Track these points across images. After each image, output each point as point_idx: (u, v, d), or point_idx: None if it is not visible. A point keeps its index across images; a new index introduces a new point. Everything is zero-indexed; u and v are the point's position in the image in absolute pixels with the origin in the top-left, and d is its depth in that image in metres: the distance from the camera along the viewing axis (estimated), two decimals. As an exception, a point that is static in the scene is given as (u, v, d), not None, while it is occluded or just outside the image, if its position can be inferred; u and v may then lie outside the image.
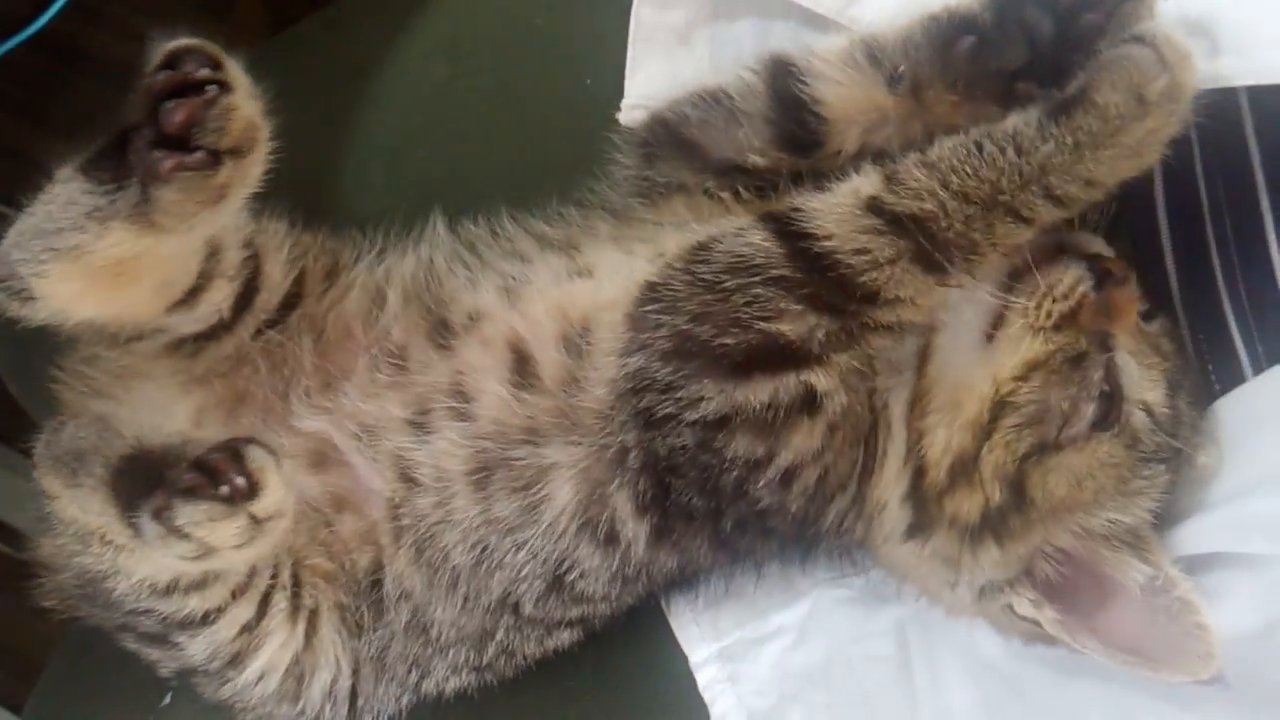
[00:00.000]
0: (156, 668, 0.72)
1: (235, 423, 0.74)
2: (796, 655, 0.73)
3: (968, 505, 0.61)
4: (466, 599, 0.71)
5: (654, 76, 0.76)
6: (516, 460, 0.67)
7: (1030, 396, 0.59)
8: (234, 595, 0.67)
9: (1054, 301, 0.59)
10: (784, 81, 0.66)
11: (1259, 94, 0.61)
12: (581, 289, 0.69)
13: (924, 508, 0.63)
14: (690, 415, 0.60)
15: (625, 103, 0.78)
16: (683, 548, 0.68)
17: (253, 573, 0.67)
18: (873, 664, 0.72)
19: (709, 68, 0.74)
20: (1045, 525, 0.61)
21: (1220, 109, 0.62)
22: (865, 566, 0.72)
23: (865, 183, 0.58)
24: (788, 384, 0.59)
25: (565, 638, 0.74)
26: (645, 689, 0.77)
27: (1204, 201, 0.66)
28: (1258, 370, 0.63)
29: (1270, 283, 0.61)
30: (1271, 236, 0.62)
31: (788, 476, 0.61)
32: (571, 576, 0.69)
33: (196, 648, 0.68)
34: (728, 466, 0.61)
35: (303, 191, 0.84)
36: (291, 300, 0.73)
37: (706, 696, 0.73)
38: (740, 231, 0.60)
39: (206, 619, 0.67)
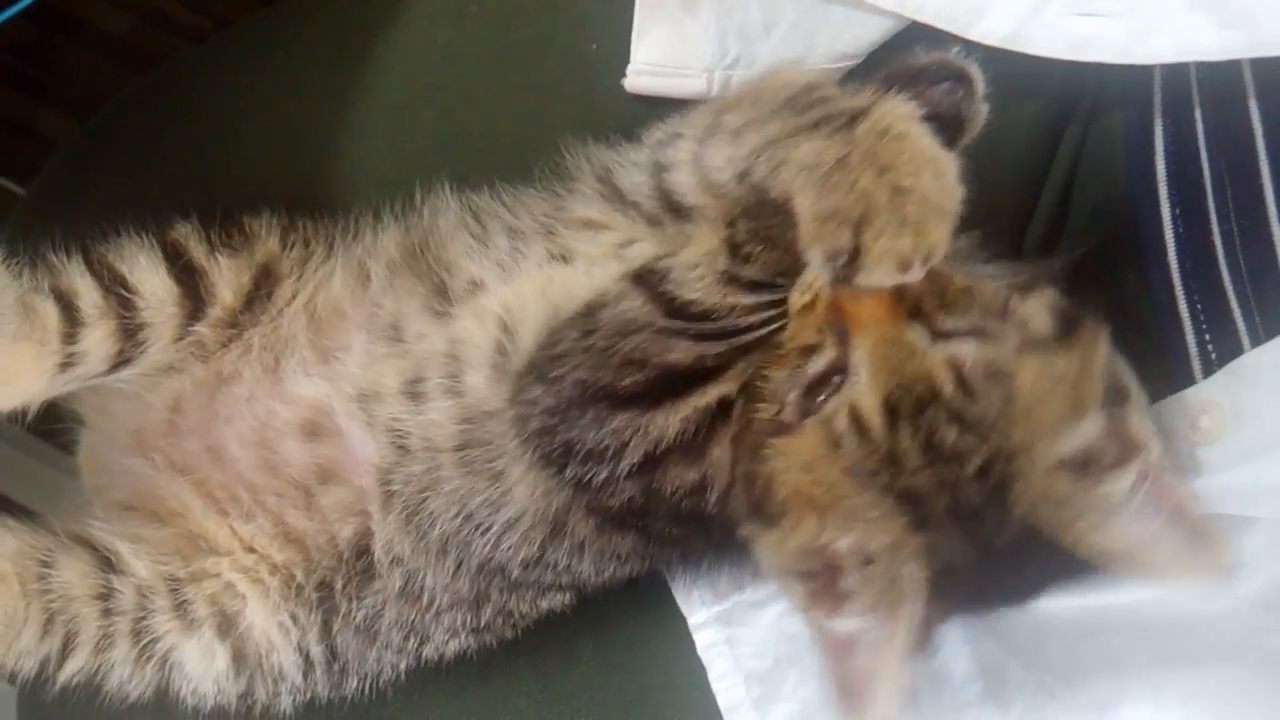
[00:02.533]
0: None
1: (217, 406, 0.76)
2: (792, 620, 0.74)
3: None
4: (458, 564, 0.72)
5: (660, 42, 0.76)
6: (490, 443, 0.69)
7: (769, 379, 0.62)
8: (97, 650, 0.72)
9: (799, 294, 0.61)
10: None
11: (1261, 66, 0.62)
12: (561, 274, 0.70)
13: None
14: (622, 467, 0.63)
15: (631, 68, 0.78)
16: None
17: (103, 625, 0.72)
18: (869, 627, 0.72)
19: (715, 34, 0.74)
20: (774, 498, 0.62)
21: (1225, 82, 0.63)
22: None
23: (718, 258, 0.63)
24: (696, 402, 0.62)
25: (559, 600, 0.75)
26: (646, 650, 0.78)
27: (1205, 173, 0.66)
28: (1255, 341, 0.64)
29: (1270, 254, 0.62)
30: (1272, 208, 0.62)
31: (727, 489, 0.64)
32: (548, 554, 0.70)
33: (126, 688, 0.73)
34: (675, 496, 0.64)
35: (307, 156, 0.86)
36: (254, 296, 0.75)
37: (705, 658, 0.74)
38: (620, 296, 0.64)
39: (95, 676, 0.73)
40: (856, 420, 0.58)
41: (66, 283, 0.71)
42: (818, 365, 0.60)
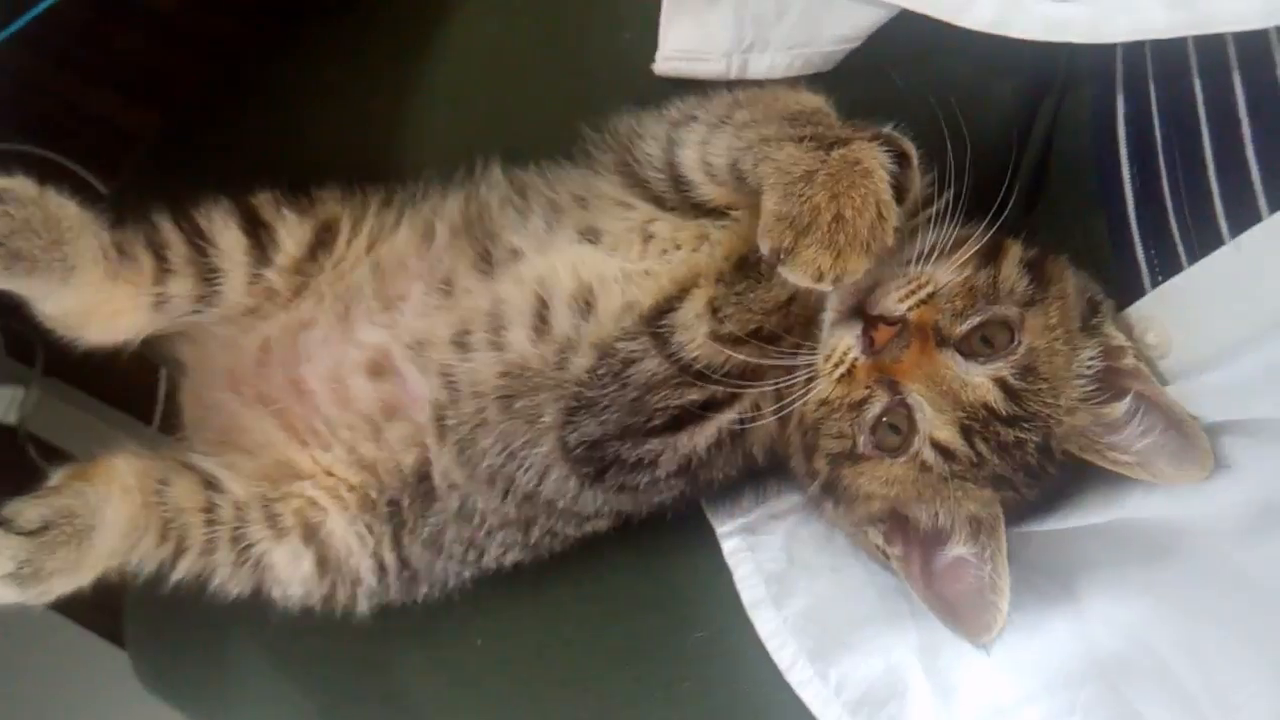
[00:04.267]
0: None
1: (298, 347, 0.87)
2: (805, 527, 0.85)
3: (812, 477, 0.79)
4: (505, 492, 0.83)
5: (685, 30, 0.86)
6: (528, 396, 0.80)
7: (829, 423, 0.76)
8: (202, 553, 0.84)
9: (833, 365, 0.74)
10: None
11: (1203, 45, 0.72)
12: (590, 255, 0.81)
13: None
14: (660, 473, 0.79)
15: (659, 54, 0.87)
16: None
17: (208, 533, 0.84)
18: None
19: (733, 22, 0.84)
20: (865, 502, 0.78)
21: (1174, 61, 0.73)
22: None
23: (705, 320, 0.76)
24: (717, 424, 0.78)
25: (602, 524, 0.86)
26: (678, 556, 0.89)
27: (1157, 137, 0.76)
28: None
29: (1209, 203, 0.72)
30: (1210, 165, 0.72)
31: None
32: (584, 494, 0.82)
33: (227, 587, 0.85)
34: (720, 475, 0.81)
35: (375, 138, 0.96)
36: (316, 248, 0.87)
37: (730, 562, 0.84)
38: (642, 355, 0.77)
39: (201, 577, 0.84)
40: (941, 448, 0.73)
41: (159, 236, 0.84)
42: (874, 410, 0.74)
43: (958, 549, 0.76)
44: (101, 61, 1.90)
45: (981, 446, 0.73)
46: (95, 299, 0.81)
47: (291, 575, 0.85)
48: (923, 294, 0.73)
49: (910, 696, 0.77)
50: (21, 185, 0.78)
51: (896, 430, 0.74)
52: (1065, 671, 0.73)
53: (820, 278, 0.65)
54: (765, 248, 0.66)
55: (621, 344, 0.77)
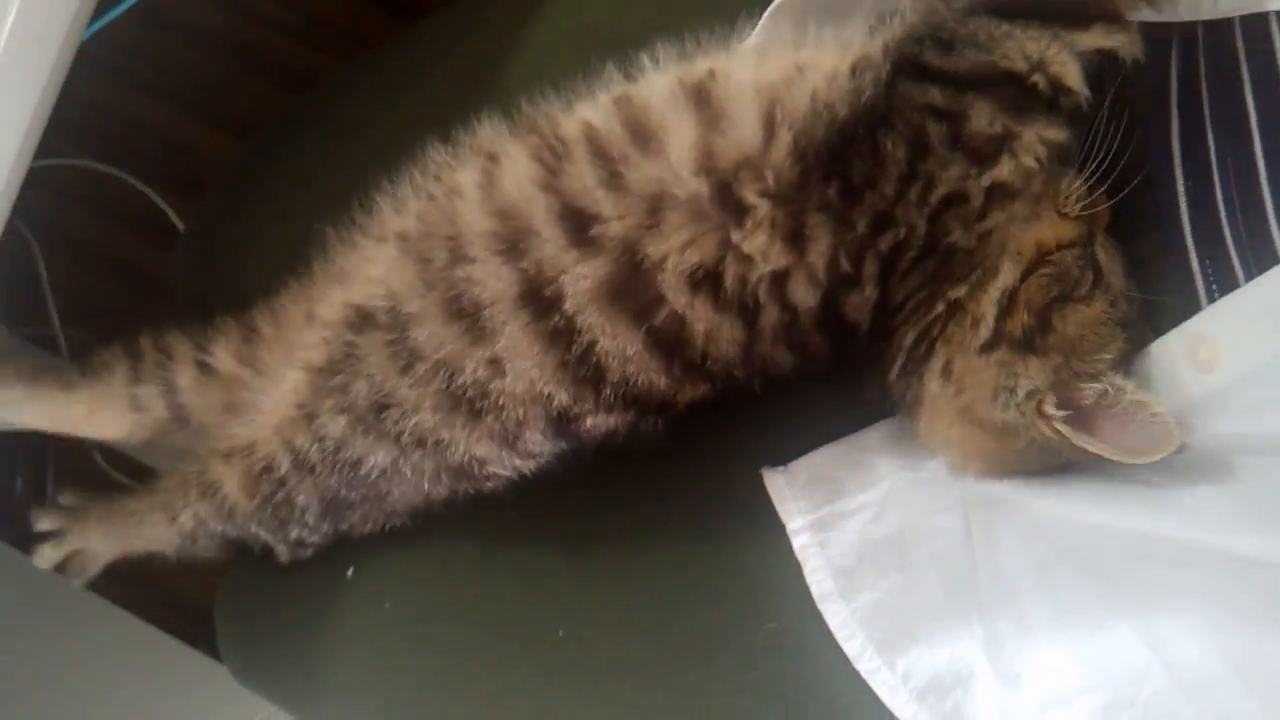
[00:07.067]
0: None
1: None
2: (875, 527, 0.88)
3: (1011, 326, 0.81)
4: None
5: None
6: None
7: (1061, 261, 0.80)
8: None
9: (1075, 200, 0.79)
10: None
11: (1255, 61, 0.75)
12: None
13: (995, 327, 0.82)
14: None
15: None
16: None
17: None
18: (938, 533, 0.87)
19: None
20: (1060, 353, 0.81)
21: (1227, 73, 0.77)
22: (933, 453, 0.89)
23: None
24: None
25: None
26: (753, 551, 0.92)
27: (1211, 152, 0.80)
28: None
29: (1263, 216, 0.76)
30: (1263, 177, 0.76)
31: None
32: None
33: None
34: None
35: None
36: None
37: (800, 557, 0.88)
38: None
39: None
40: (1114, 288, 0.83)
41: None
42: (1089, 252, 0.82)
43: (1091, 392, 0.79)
44: (155, 76, 1.95)
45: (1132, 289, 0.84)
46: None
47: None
48: None
49: (975, 684, 0.80)
50: None
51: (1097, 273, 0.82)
52: (1130, 667, 0.75)
53: None
54: None
55: None
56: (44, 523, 1.06)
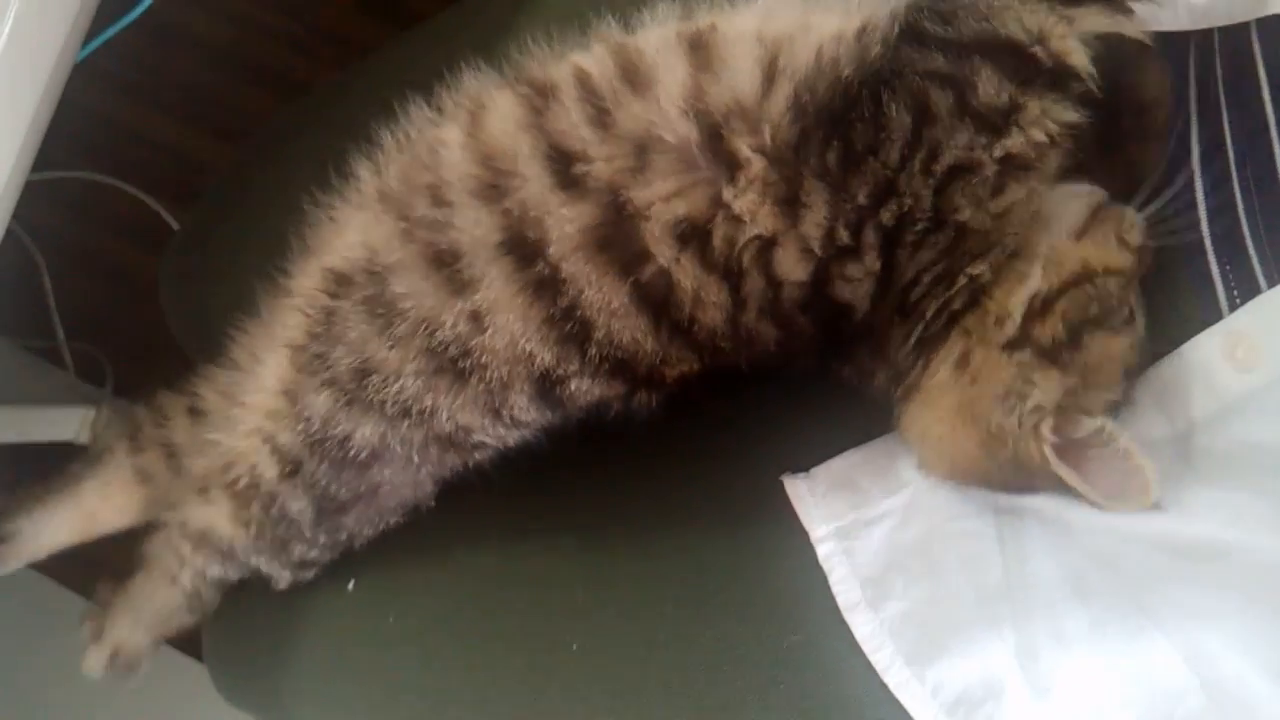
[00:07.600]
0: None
1: None
2: (901, 534, 0.86)
3: (1041, 332, 0.78)
4: None
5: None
6: None
7: (1104, 285, 0.78)
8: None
9: (1139, 231, 0.78)
10: None
11: (1273, 64, 0.74)
12: None
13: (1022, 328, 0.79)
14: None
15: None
16: None
17: None
18: (966, 538, 0.84)
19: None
20: (1078, 375, 0.78)
21: (1244, 78, 0.75)
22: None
23: None
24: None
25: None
26: (773, 561, 0.90)
27: (1231, 159, 0.78)
28: (1271, 285, 0.76)
29: (1278, 200, 0.75)
30: (1279, 159, 0.74)
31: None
32: None
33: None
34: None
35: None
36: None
37: (825, 566, 0.85)
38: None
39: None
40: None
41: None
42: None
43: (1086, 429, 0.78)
44: (159, 88, 1.96)
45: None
46: None
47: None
48: None
49: (1007, 697, 0.78)
50: None
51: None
52: (1167, 683, 0.73)
53: None
54: None
55: None
56: (84, 629, 1.06)
